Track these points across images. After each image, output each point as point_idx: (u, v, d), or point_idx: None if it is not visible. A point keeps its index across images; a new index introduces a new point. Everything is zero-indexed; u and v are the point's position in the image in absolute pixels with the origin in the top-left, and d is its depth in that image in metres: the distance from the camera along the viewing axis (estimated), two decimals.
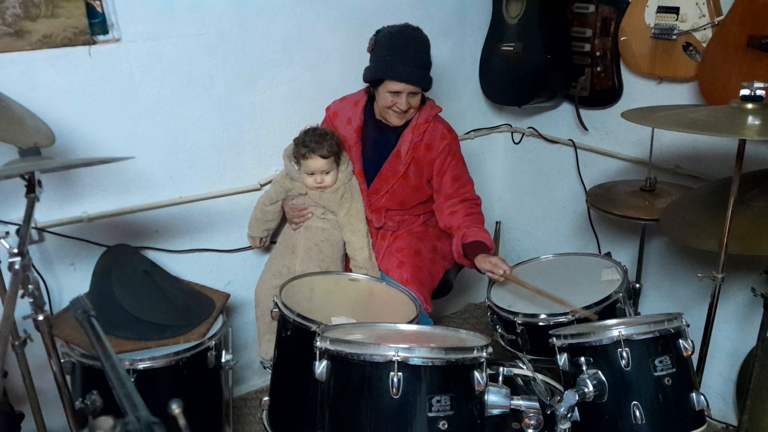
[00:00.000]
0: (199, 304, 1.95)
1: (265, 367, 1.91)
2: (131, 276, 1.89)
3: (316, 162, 2.04)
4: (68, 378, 1.71)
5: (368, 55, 2.09)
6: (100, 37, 1.91)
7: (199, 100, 2.13)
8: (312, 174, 2.07)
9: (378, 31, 2.06)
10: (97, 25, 1.90)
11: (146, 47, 1.99)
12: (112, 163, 1.97)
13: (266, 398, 1.75)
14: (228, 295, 2.06)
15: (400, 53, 1.98)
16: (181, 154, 2.15)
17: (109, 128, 1.99)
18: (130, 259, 1.99)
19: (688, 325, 1.49)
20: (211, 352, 1.82)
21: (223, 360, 1.87)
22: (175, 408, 0.61)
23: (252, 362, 2.50)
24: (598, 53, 2.37)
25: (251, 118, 2.24)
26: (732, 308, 2.14)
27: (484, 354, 1.31)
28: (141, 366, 1.69)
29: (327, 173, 2.07)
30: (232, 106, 2.19)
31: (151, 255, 2.17)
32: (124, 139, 2.03)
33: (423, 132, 2.13)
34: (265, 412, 1.74)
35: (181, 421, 0.60)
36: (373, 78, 2.03)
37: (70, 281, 2.06)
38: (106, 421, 0.51)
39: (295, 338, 1.65)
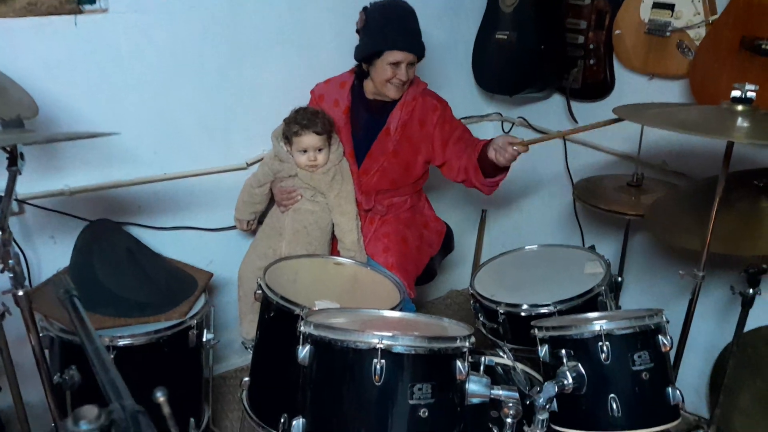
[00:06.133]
0: (181, 283, 1.93)
1: (246, 348, 1.91)
2: (113, 252, 1.86)
3: (311, 138, 2.02)
4: (46, 352, 1.69)
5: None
6: (87, 7, 1.86)
7: (188, 75, 2.09)
8: (305, 152, 2.04)
9: (365, 8, 2.05)
10: None
11: (134, 19, 1.94)
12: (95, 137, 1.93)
13: (246, 379, 1.75)
14: (211, 275, 2.05)
15: (396, 24, 2.00)
16: (167, 130, 2.11)
17: (94, 101, 1.95)
18: (111, 235, 1.96)
19: (668, 322, 1.52)
20: (193, 331, 1.81)
21: (204, 339, 1.86)
22: (160, 396, 0.60)
23: (233, 341, 2.49)
24: (591, 46, 2.37)
25: (240, 96, 2.21)
26: (710, 305, 2.18)
27: (467, 344, 1.31)
28: (121, 343, 1.67)
29: (320, 150, 2.05)
30: (222, 83, 2.16)
31: (134, 231, 2.15)
32: (109, 112, 1.99)
33: (412, 109, 2.13)
34: (245, 393, 1.74)
35: (166, 410, 0.59)
36: (372, 51, 2.02)
37: (50, 254, 2.03)
38: (90, 410, 0.50)
39: (277, 320, 1.64)
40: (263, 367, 1.73)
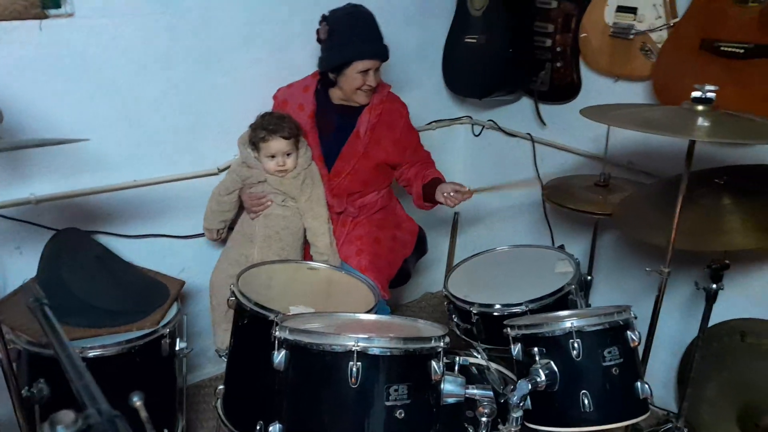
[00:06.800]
0: (153, 291, 1.91)
1: (220, 356, 1.89)
2: (82, 261, 1.83)
3: (278, 143, 2.01)
4: (14, 365, 1.65)
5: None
6: (52, 11, 1.83)
7: (157, 80, 2.06)
8: (273, 157, 2.04)
9: (325, 18, 2.05)
10: None
11: (101, 24, 1.91)
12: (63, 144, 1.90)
13: (221, 387, 1.74)
14: (183, 282, 2.02)
15: (363, 33, 2.03)
16: (137, 136, 2.09)
17: (61, 107, 1.92)
18: (80, 243, 1.93)
19: (636, 317, 1.55)
20: (165, 340, 1.79)
21: (177, 348, 1.84)
22: (137, 401, 0.59)
23: (206, 350, 2.47)
24: (558, 49, 2.41)
25: (211, 101, 2.20)
26: (676, 300, 2.24)
27: (442, 344, 1.33)
28: (92, 354, 1.64)
29: (288, 155, 2.05)
30: (192, 87, 2.14)
31: (103, 240, 2.11)
32: (77, 118, 1.95)
33: (380, 112, 2.17)
34: (219, 401, 1.72)
35: (143, 414, 0.59)
36: (342, 62, 2.03)
37: (16, 265, 1.98)
38: (67, 415, 0.49)
39: (251, 327, 1.63)
40: (238, 374, 1.72)
